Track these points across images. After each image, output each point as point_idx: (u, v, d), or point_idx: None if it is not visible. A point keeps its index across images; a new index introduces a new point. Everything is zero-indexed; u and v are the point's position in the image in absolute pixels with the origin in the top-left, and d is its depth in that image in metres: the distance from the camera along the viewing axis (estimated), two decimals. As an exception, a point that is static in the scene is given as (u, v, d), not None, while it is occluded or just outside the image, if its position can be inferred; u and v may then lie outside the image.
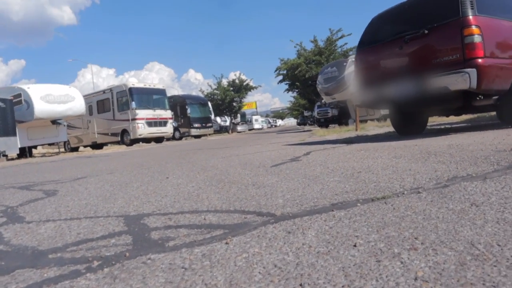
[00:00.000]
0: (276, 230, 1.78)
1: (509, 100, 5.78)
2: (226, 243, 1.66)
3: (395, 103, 6.90)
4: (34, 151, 21.00)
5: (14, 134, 16.33)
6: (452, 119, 11.66)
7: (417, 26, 6.04)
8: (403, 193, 2.26)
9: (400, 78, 6.21)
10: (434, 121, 12.57)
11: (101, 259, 1.61)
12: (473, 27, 5.34)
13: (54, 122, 18.31)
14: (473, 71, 5.26)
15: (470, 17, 5.40)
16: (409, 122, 7.64)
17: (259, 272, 1.32)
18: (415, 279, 1.14)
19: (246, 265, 1.40)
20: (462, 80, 5.32)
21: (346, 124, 19.45)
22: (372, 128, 12.49)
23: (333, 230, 1.69)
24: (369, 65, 7.09)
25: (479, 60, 5.30)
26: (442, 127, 9.16)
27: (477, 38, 5.31)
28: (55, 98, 17.75)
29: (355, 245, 1.47)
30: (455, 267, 1.19)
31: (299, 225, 1.82)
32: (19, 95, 17.27)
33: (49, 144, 22.08)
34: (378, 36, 7.02)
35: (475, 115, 11.20)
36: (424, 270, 1.19)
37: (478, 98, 5.85)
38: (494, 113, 7.69)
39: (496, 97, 5.82)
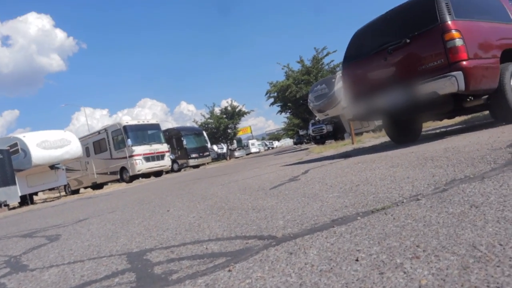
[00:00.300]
0: (278, 252, 1.77)
1: (499, 98, 5.80)
2: (229, 270, 1.65)
3: (387, 113, 6.92)
4: (35, 197, 20.97)
5: (14, 183, 16.35)
6: (447, 122, 11.69)
7: (399, 36, 6.12)
8: (403, 202, 2.25)
9: (389, 88, 6.24)
10: (429, 126, 12.61)
11: (104, 300, 1.59)
12: (453, 31, 5.41)
13: (53, 167, 18.37)
14: (459, 74, 5.29)
15: (449, 22, 5.48)
16: (404, 130, 7.65)
17: (263, 297, 1.31)
18: None
19: (250, 291, 1.39)
20: (450, 84, 5.34)
21: (342, 138, 19.48)
22: (368, 140, 12.50)
23: (334, 247, 1.68)
24: (357, 79, 7.13)
25: (464, 63, 5.33)
26: (438, 131, 9.18)
27: (458, 42, 5.38)
28: (51, 144, 17.83)
29: (357, 260, 1.46)
30: (458, 271, 1.19)
31: (300, 245, 1.81)
32: (16, 145, 17.38)
33: (50, 189, 22.05)
34: (362, 50, 7.07)
35: (469, 116, 11.23)
36: (427, 278, 1.19)
37: (468, 100, 5.89)
38: (487, 112, 7.73)
39: (486, 96, 5.87)
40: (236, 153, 49.75)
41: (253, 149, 61.75)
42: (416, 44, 5.92)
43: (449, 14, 5.54)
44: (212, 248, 2.11)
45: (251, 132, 79.83)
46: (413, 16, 6.18)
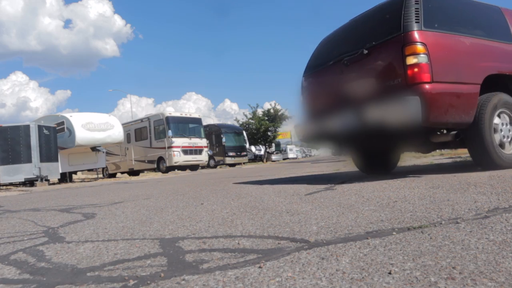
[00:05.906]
0: (309, 256, 1.77)
1: (474, 136, 4.78)
2: (260, 267, 1.66)
3: (338, 139, 5.86)
4: (74, 176, 21.71)
5: (56, 160, 16.98)
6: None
7: (359, 46, 5.12)
8: (441, 223, 2.21)
9: (342, 108, 5.21)
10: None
11: (137, 279, 1.63)
12: (417, 45, 4.38)
13: (94, 149, 18.99)
14: (415, 99, 4.24)
15: (414, 32, 4.45)
16: (373, 159, 6.77)
17: (292, 296, 1.32)
18: (453, 307, 1.11)
19: (279, 288, 1.40)
20: (402, 111, 4.32)
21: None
22: (409, 159, 12.25)
23: (367, 258, 1.66)
24: (312, 94, 6.23)
25: (426, 86, 4.31)
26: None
27: (421, 58, 4.34)
28: (95, 126, 18.43)
29: (390, 273, 1.45)
30: (495, 297, 1.16)
31: (333, 252, 1.80)
32: (62, 123, 18.06)
33: (88, 170, 22.83)
34: (323, 60, 5.98)
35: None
36: (462, 299, 1.16)
37: (438, 133, 4.77)
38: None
39: (455, 132, 4.66)
40: (273, 157, 49.85)
41: (291, 155, 61.66)
42: (374, 57, 4.91)
43: (416, 23, 4.48)
44: (244, 244, 2.13)
45: (291, 138, 79.68)
46: (378, 22, 5.21)
